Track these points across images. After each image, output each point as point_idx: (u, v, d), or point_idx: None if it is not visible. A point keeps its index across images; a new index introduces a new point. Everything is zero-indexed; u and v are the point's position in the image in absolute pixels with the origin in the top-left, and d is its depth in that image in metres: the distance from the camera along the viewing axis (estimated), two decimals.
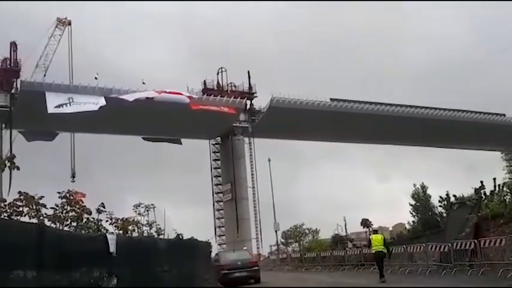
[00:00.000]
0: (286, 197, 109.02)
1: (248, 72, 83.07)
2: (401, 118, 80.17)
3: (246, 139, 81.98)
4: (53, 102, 61.18)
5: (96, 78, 67.65)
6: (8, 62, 69.78)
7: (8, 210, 13.98)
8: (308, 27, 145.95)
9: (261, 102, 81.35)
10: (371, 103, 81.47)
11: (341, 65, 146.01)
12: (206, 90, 78.09)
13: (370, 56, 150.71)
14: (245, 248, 46.71)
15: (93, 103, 61.42)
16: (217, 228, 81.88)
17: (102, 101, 58.08)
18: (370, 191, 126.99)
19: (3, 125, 68.03)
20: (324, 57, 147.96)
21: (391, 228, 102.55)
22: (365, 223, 76.20)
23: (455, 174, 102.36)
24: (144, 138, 78.54)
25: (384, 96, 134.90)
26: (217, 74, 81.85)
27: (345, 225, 75.49)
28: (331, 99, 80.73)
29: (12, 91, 67.92)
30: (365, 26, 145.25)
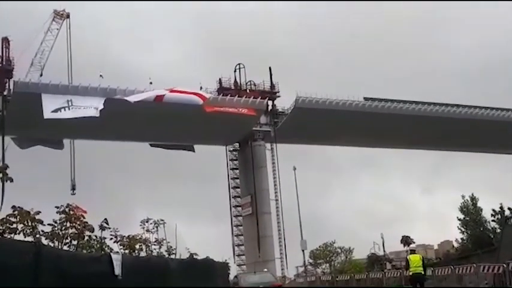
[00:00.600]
0: (314, 211, 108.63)
1: (269, 68, 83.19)
2: (448, 120, 79.25)
3: (268, 145, 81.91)
4: (50, 106, 61.96)
5: (101, 76, 68.31)
6: (0, 60, 70.42)
7: (1, 227, 14.13)
8: (337, 20, 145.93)
9: (284, 102, 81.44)
10: (412, 102, 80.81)
11: (374, 62, 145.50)
12: (222, 90, 78.31)
13: (408, 52, 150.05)
14: (266, 269, 46.61)
15: (95, 107, 62.17)
16: (235, 247, 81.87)
17: (101, 105, 58.71)
18: (412, 204, 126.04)
19: None
20: (355, 54, 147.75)
21: (436, 247, 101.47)
22: (406, 241, 75.52)
23: (510, 184, 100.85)
24: (152, 145, 79.02)
25: (425, 96, 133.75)
26: (234, 71, 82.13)
27: (383, 244, 74.88)
28: (364, 98, 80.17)
29: (5, 93, 68.72)
30: (401, 19, 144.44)
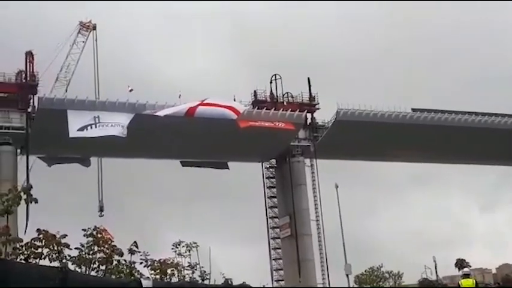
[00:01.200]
0: (360, 233, 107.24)
1: (308, 79, 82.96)
2: (509, 132, 77.68)
3: (307, 161, 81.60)
4: (76, 123, 63.09)
5: (130, 90, 69.19)
6: (23, 75, 71.75)
7: (25, 252, 14.32)
8: (381, 27, 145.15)
9: (324, 115, 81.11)
10: (465, 113, 79.74)
11: (422, 70, 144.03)
12: (257, 103, 78.48)
13: (459, 59, 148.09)
14: None
15: (122, 125, 63.05)
16: (274, 272, 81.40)
17: (126, 122, 59.41)
18: (470, 224, 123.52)
19: (19, 150, 70.31)
20: (400, 62, 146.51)
21: (494, 271, 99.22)
22: (461, 264, 74.12)
23: None
24: (183, 163, 79.53)
25: (478, 106, 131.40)
26: (270, 82, 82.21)
27: (436, 268, 73.54)
28: (413, 109, 79.41)
29: (29, 110, 70.30)
30: (445, 25, 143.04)
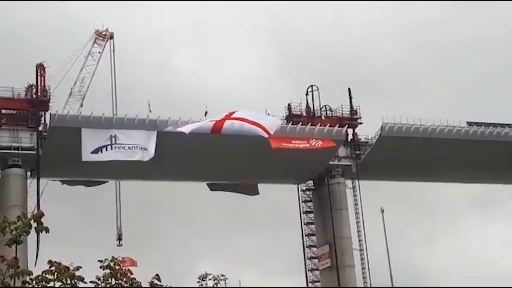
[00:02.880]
0: (410, 263, 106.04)
1: (349, 90, 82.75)
2: None
3: (349, 182, 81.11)
4: (90, 144, 63.84)
5: (149, 108, 69.72)
6: (34, 90, 72.23)
7: (36, 286, 14.42)
8: (430, 30, 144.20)
9: (367, 131, 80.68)
10: None
11: (477, 80, 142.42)
12: (291, 117, 78.48)
13: None
14: None
15: (142, 147, 63.70)
16: None
17: (151, 150, 59.86)
18: None
19: (29, 173, 71.02)
20: (452, 71, 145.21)
21: None
22: None
23: None
24: (211, 187, 79.74)
25: None
26: (306, 94, 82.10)
27: None
28: (468, 123, 78.61)
29: (40, 128, 70.80)
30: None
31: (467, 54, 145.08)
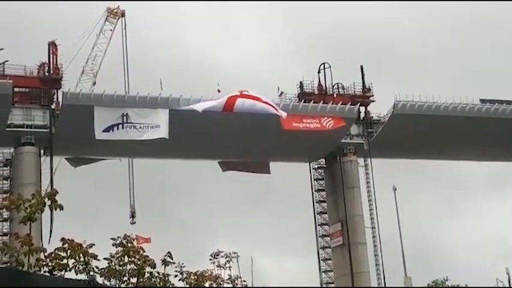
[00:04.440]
0: (422, 241, 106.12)
1: (361, 67, 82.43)
2: None
3: (361, 160, 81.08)
4: (103, 122, 64.15)
5: (161, 86, 69.68)
6: (46, 68, 72.42)
7: (50, 264, 14.54)
8: (445, 9, 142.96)
9: (380, 108, 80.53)
10: None
11: (492, 56, 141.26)
12: (303, 95, 78.36)
13: None
14: None
15: (154, 126, 63.92)
16: (324, 286, 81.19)
17: (164, 129, 60.05)
18: None
19: (42, 151, 71.43)
20: (466, 48, 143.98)
21: None
22: None
23: None
24: (222, 168, 79.84)
25: None
26: (318, 72, 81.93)
27: (509, 281, 72.24)
28: (481, 100, 78.21)
29: (53, 106, 71.06)
30: None
31: (480, 32, 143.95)
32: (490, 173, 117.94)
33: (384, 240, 78.08)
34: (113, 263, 16.54)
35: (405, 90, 77.16)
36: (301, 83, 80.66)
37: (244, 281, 23.89)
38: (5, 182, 73.50)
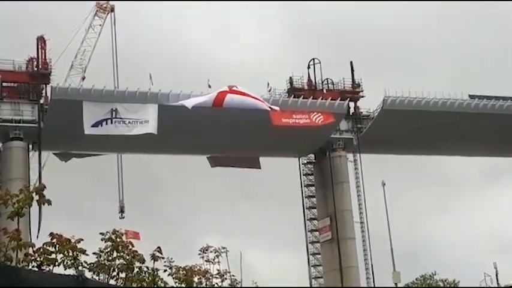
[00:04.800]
0: (411, 236, 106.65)
1: (351, 63, 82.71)
2: None
3: (350, 155, 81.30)
4: (92, 117, 64.06)
5: (150, 79, 69.56)
6: (35, 63, 72.20)
7: (38, 259, 14.54)
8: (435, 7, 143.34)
9: (369, 104, 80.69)
10: None
11: (477, 56, 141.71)
12: (293, 91, 78.44)
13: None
14: None
15: (143, 121, 63.91)
16: (313, 280, 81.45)
17: (153, 124, 60.05)
18: None
19: (31, 145, 71.23)
20: (455, 44, 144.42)
21: None
22: None
23: None
24: (211, 163, 79.80)
25: None
26: (308, 67, 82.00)
27: (496, 275, 72.67)
28: (470, 96, 78.55)
29: (41, 101, 70.89)
30: None
31: (468, 27, 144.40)
32: (481, 168, 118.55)
33: (374, 236, 78.52)
34: (101, 258, 16.57)
35: (395, 86, 77.23)
36: (290, 78, 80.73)
37: (233, 275, 23.96)
38: None
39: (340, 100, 75.83)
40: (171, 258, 19.68)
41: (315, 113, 72.40)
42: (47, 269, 14.30)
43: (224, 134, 70.10)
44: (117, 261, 16.68)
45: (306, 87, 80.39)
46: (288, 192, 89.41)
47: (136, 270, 17.13)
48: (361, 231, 79.76)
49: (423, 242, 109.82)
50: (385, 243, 68.35)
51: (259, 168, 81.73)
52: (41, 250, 14.51)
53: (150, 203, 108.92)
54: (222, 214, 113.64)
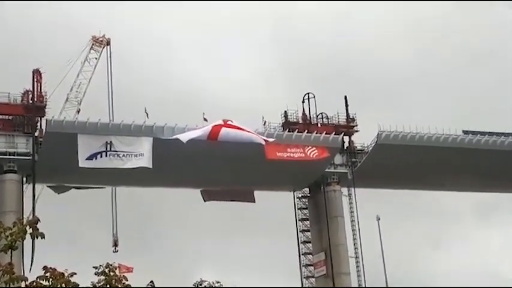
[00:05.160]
0: (406, 271, 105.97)
1: (345, 98, 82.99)
2: None
3: (345, 190, 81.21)
4: (86, 150, 64.05)
5: (146, 113, 69.61)
6: (30, 96, 72.19)
7: None
8: (433, 36, 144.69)
9: (364, 138, 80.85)
10: None
11: (476, 89, 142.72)
12: (288, 125, 78.58)
13: None
14: None
15: (137, 154, 64.02)
16: None
17: (147, 157, 60.18)
18: None
19: (25, 178, 70.95)
20: (451, 80, 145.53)
21: None
22: None
23: None
24: (204, 195, 79.59)
25: None
26: (303, 102, 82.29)
27: None
28: (464, 131, 78.86)
29: (36, 134, 70.76)
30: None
31: (462, 63, 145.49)
32: (476, 202, 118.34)
33: (368, 270, 78.03)
34: None
35: (389, 121, 77.56)
36: (285, 112, 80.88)
37: None
38: None
39: (335, 134, 75.98)
40: None
41: (310, 147, 72.47)
42: None
43: (219, 167, 69.96)
44: None
45: (300, 121, 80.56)
46: (283, 226, 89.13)
47: None
48: (356, 266, 79.36)
49: (418, 275, 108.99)
50: (380, 278, 68.00)
51: (254, 202, 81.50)
52: (35, 284, 14.43)
53: (144, 235, 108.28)
54: (216, 247, 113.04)
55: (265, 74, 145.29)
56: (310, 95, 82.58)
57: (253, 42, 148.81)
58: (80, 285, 15.49)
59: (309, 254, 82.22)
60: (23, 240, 14.29)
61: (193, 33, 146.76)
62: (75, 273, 15.11)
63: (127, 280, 16.92)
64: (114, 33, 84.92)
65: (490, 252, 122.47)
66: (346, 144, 79.83)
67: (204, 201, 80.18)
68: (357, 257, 79.50)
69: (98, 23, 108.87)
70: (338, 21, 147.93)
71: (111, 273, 16.66)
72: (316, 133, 75.02)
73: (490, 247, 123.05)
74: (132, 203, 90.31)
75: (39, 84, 72.88)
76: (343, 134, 78.02)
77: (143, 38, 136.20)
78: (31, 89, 72.47)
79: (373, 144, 77.34)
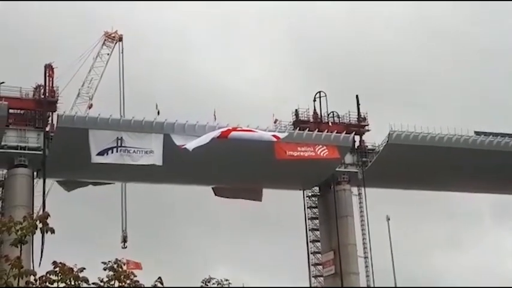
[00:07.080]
0: (415, 271, 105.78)
1: (357, 97, 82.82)
2: None
3: (355, 189, 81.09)
4: (98, 146, 64.24)
5: (157, 111, 69.81)
6: (42, 90, 72.28)
7: (39, 287, 14.52)
8: (447, 35, 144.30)
9: (375, 138, 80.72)
10: None
11: (489, 87, 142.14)
12: (298, 123, 78.52)
13: None
14: None
15: (148, 151, 64.24)
16: None
17: (158, 155, 60.40)
18: None
19: (35, 173, 71.22)
20: (463, 79, 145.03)
21: None
22: None
23: None
24: (215, 192, 79.73)
25: None
26: (314, 100, 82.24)
27: None
28: (476, 132, 78.57)
29: (47, 129, 70.90)
30: None
31: (476, 63, 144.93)
32: (489, 204, 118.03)
33: (378, 270, 77.88)
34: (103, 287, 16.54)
35: (400, 120, 77.34)
36: (296, 110, 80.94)
37: None
38: None
39: (346, 133, 75.88)
40: None
41: (320, 146, 72.40)
42: None
43: (229, 165, 70.15)
44: None
45: (311, 119, 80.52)
46: (292, 225, 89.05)
47: None
48: (365, 266, 79.26)
49: (428, 277, 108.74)
50: (389, 278, 67.88)
51: (260, 201, 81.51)
52: (43, 278, 14.51)
53: (155, 231, 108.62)
54: (224, 245, 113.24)
55: (277, 72, 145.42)
56: (322, 94, 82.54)
57: (268, 40, 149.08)
58: (90, 280, 15.56)
59: (318, 253, 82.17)
60: (33, 235, 14.36)
61: (208, 30, 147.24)
62: (84, 269, 15.20)
63: (135, 276, 17.00)
64: (128, 30, 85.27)
65: (504, 254, 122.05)
66: (357, 144, 79.78)
67: (215, 195, 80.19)
68: (366, 257, 79.38)
69: (111, 19, 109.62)
70: (351, 20, 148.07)
71: (120, 269, 16.74)
72: (327, 132, 74.95)
73: (503, 249, 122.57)
74: (144, 198, 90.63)
75: (51, 79, 72.95)
76: (354, 133, 77.88)
77: (157, 33, 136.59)
78: (43, 83, 72.43)
79: (384, 144, 77.18)
